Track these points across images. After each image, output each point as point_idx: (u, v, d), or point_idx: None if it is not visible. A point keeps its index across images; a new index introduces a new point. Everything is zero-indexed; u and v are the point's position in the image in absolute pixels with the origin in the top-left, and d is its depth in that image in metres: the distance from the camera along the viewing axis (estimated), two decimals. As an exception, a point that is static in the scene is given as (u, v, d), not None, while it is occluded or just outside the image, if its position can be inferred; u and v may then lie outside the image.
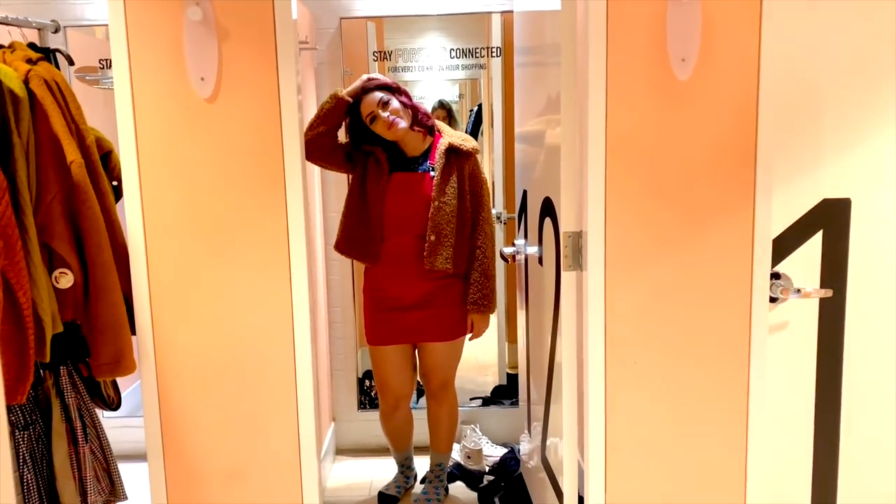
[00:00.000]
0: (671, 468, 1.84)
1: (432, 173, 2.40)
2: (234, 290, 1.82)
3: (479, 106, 3.60)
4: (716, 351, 1.80)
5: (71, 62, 1.94)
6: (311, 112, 2.85)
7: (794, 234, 1.85)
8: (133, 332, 1.84)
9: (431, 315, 2.47)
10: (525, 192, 2.50)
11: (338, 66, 3.02)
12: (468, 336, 2.57)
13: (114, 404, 2.00)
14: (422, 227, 2.39)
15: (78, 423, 1.84)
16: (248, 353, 1.84)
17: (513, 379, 3.46)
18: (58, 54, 1.95)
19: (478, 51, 3.21)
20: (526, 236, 2.51)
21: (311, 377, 1.85)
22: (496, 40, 3.19)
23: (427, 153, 2.45)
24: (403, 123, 2.37)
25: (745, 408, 1.82)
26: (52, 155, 1.72)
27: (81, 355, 1.88)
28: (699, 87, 1.72)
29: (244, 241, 1.79)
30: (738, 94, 1.72)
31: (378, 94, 2.38)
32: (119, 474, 1.95)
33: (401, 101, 2.40)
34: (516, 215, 2.68)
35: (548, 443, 2.29)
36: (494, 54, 3.19)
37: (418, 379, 2.70)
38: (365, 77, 2.43)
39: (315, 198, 2.95)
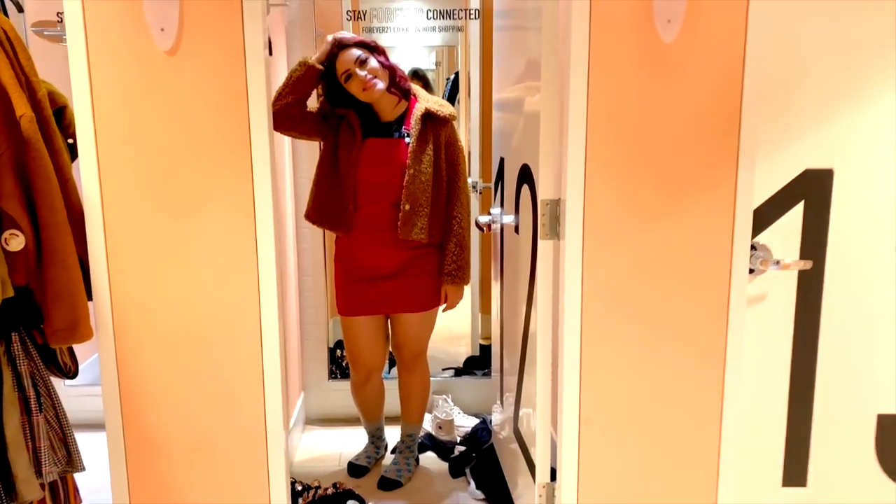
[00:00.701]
0: (645, 441, 1.82)
1: (407, 139, 2.32)
2: (197, 255, 1.73)
3: (456, 74, 3.51)
4: (693, 323, 1.77)
5: (20, 9, 1.81)
6: (281, 73, 2.74)
7: (774, 205, 1.82)
8: (90, 297, 1.75)
9: (405, 285, 2.41)
10: (502, 160, 2.44)
11: (310, 25, 2.90)
12: (442, 307, 2.52)
13: (70, 373, 1.90)
14: (396, 196, 2.32)
15: (31, 392, 1.75)
16: (211, 320, 1.77)
17: (486, 350, 3.43)
18: (6, 1, 1.82)
19: (456, 12, 3.12)
20: (502, 205, 2.45)
21: (279, 346, 1.78)
22: (475, 2, 3.09)
23: (402, 118, 2.36)
24: (381, 85, 2.28)
25: (721, 380, 1.80)
26: (1, 108, 1.61)
27: (35, 322, 1.79)
28: (684, 51, 1.67)
29: (207, 203, 1.71)
30: (723, 60, 1.67)
31: (356, 52, 2.27)
32: (76, 444, 1.87)
33: (379, 61, 2.31)
34: (493, 184, 2.62)
35: (520, 414, 2.26)
36: (473, 17, 3.10)
37: (390, 349, 2.65)
38: (331, 37, 2.32)
39: (285, 161, 2.85)
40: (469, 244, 2.45)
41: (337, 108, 2.34)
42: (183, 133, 1.67)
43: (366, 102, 2.31)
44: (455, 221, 2.39)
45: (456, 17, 3.12)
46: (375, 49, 2.32)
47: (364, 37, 2.38)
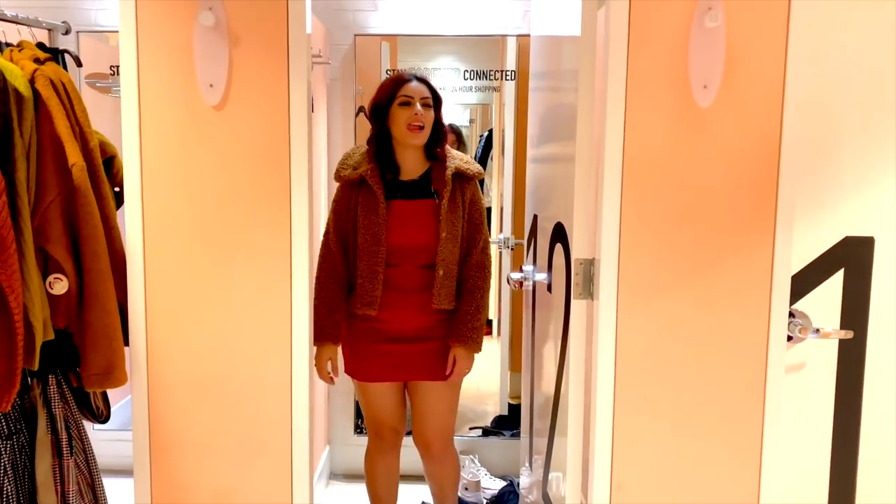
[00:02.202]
0: (679, 511, 1.76)
1: (436, 199, 2.18)
2: (233, 304, 1.76)
3: (490, 132, 3.56)
4: (729, 390, 1.73)
5: (79, 63, 1.91)
6: (321, 129, 2.82)
7: (813, 272, 1.79)
8: (126, 343, 1.78)
9: (431, 349, 2.21)
10: (535, 217, 2.44)
11: (350, 83, 2.99)
12: (447, 373, 2.23)
13: (102, 416, 1.93)
14: (424, 258, 2.17)
15: (64, 435, 1.77)
16: (243, 370, 1.78)
17: (514, 409, 3.37)
18: (66, 56, 1.91)
19: (491, 73, 3.19)
20: (535, 262, 2.45)
21: (307, 399, 1.78)
22: (510, 64, 3.16)
23: (426, 177, 2.22)
24: (424, 139, 2.17)
25: (759, 450, 1.74)
26: (54, 157, 1.68)
27: (72, 364, 1.82)
28: (721, 115, 1.67)
29: (245, 254, 1.74)
30: (760, 124, 1.67)
31: (426, 92, 2.16)
32: (103, 490, 1.88)
33: (437, 118, 2.19)
34: (525, 240, 2.62)
35: (550, 477, 2.20)
36: (508, 77, 3.16)
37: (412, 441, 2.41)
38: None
39: (320, 211, 2.90)
40: (486, 309, 2.25)
41: (350, 178, 2.18)
42: (225, 185, 1.72)
43: (392, 152, 2.19)
44: (471, 281, 2.22)
45: (492, 77, 3.18)
46: (439, 105, 2.21)
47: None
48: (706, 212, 1.70)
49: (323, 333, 2.17)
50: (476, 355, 2.27)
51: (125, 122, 1.70)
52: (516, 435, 3.22)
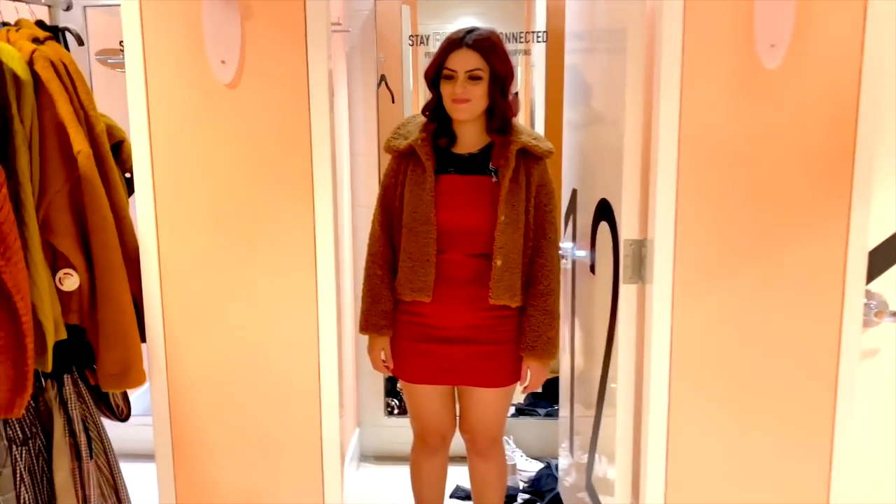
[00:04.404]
0: (741, 511, 1.63)
1: (494, 178, 1.91)
2: (255, 296, 1.64)
3: (515, 95, 3.38)
4: (797, 379, 1.59)
5: (80, 42, 1.76)
6: (340, 102, 2.67)
7: (890, 249, 1.62)
8: (143, 340, 1.67)
9: (480, 353, 1.96)
10: (574, 192, 2.28)
11: (371, 51, 2.82)
12: (520, 385, 2.04)
13: (123, 414, 1.83)
14: (476, 245, 1.91)
15: (83, 437, 1.68)
16: (267, 366, 1.67)
17: (549, 386, 3.25)
18: (67, 33, 1.77)
19: (520, 35, 3.00)
20: (574, 239, 2.29)
21: (337, 396, 1.67)
22: (540, 24, 2.97)
23: (486, 151, 1.94)
24: (471, 114, 1.88)
25: (830, 443, 1.60)
26: (58, 144, 1.56)
27: (88, 361, 1.72)
28: (790, 78, 1.50)
29: (266, 243, 1.62)
30: (834, 87, 1.50)
31: (472, 62, 1.83)
32: (127, 491, 1.80)
33: (492, 93, 1.87)
34: (563, 216, 2.46)
35: (595, 466, 2.09)
36: (539, 39, 2.98)
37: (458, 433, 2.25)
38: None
39: (344, 192, 2.77)
40: (559, 311, 1.99)
41: (401, 149, 1.95)
42: (242, 169, 1.58)
43: (449, 122, 1.93)
44: (543, 281, 1.93)
45: (521, 39, 3.00)
46: (498, 76, 1.86)
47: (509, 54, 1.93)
48: (772, 185, 1.54)
49: (369, 324, 2.00)
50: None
51: (132, 104, 1.57)
52: (551, 413, 3.11)
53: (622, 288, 1.68)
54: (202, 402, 1.68)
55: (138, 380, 1.65)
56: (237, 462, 1.71)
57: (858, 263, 1.54)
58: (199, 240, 1.62)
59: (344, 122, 2.76)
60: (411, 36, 2.95)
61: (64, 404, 1.68)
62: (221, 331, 1.65)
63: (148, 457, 1.78)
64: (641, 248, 1.64)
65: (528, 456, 2.98)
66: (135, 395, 1.88)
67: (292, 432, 1.70)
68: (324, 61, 1.53)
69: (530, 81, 3.13)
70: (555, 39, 2.89)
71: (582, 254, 2.18)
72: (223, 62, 1.53)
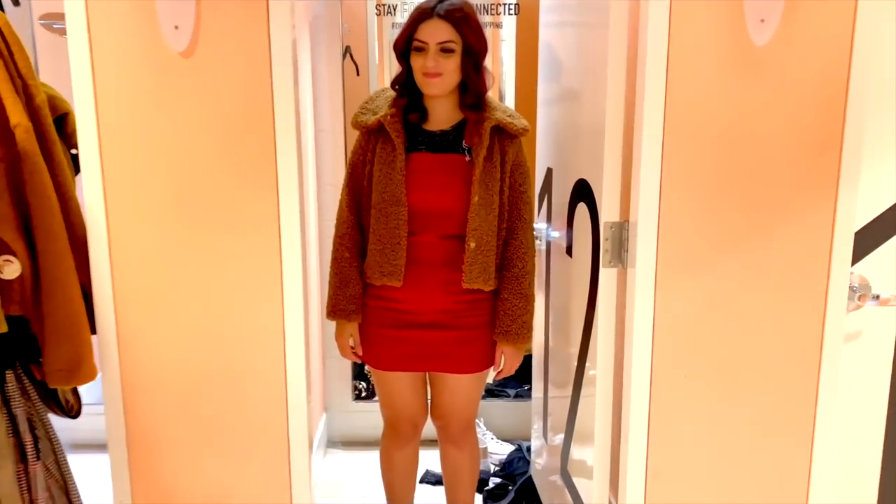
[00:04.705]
0: (723, 498, 1.60)
1: (468, 157, 1.82)
2: (214, 283, 1.54)
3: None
4: (781, 365, 1.56)
5: (16, 2, 1.61)
6: (305, 74, 2.53)
7: (873, 232, 1.59)
8: (93, 331, 1.55)
9: (453, 339, 1.90)
10: (549, 171, 2.21)
11: (336, 21, 2.68)
12: (494, 370, 1.98)
13: (73, 411, 1.71)
14: (448, 227, 1.84)
15: (28, 438, 1.55)
16: (229, 358, 1.57)
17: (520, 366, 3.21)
18: (1, -6, 1.61)
19: (490, 7, 2.89)
20: (549, 220, 2.22)
21: (304, 388, 1.58)
22: (512, -4, 2.87)
23: (459, 129, 1.85)
24: (442, 89, 1.78)
25: (811, 430, 1.58)
26: (-8, 117, 1.41)
27: (33, 355, 1.59)
28: (779, 55, 1.44)
29: (226, 224, 1.51)
30: (825, 66, 1.45)
31: (444, 34, 1.73)
32: (78, 492, 1.68)
33: (464, 67, 1.77)
34: (537, 195, 2.39)
35: (571, 450, 2.04)
36: (510, 12, 2.87)
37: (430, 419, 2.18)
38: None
39: (309, 170, 2.65)
40: (534, 294, 1.91)
41: (368, 126, 1.85)
42: (199, 145, 1.47)
43: (420, 97, 1.84)
44: (518, 264, 1.86)
45: (491, 12, 2.89)
46: (471, 49, 1.76)
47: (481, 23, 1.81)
48: (759, 167, 1.49)
49: (336, 310, 1.91)
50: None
51: (75, 74, 1.44)
52: (521, 394, 3.08)
53: (602, 272, 1.63)
54: (159, 396, 1.57)
55: (89, 375, 1.53)
56: (198, 457, 1.61)
57: (844, 248, 1.50)
58: (153, 222, 1.50)
59: (308, 97, 2.63)
60: (378, 5, 2.82)
61: (6, 403, 1.55)
62: (179, 320, 1.54)
63: (104, 447, 1.67)
64: (622, 230, 1.59)
65: (498, 439, 2.93)
66: (89, 386, 1.76)
67: (257, 425, 1.61)
68: (287, 28, 1.41)
69: (499, 57, 3.03)
70: (527, 12, 2.80)
71: (557, 235, 2.12)
72: (176, 27, 1.41)
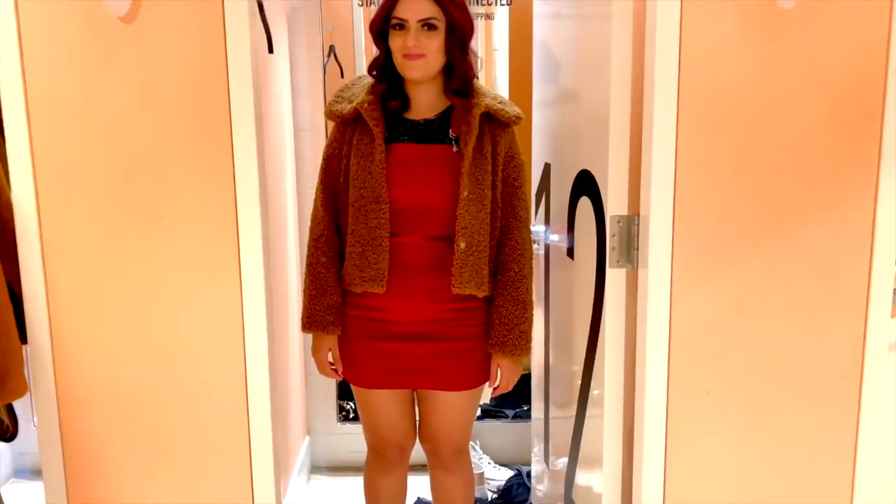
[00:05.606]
0: (751, 534, 1.41)
1: (455, 148, 1.67)
2: (162, 285, 1.37)
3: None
4: (816, 377, 1.39)
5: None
6: (282, 73, 2.37)
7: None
8: (23, 341, 1.37)
9: (445, 351, 1.72)
10: (547, 167, 2.03)
11: (315, 14, 2.53)
12: (490, 387, 1.82)
13: (8, 433, 1.52)
14: (436, 226, 1.68)
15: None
16: (181, 369, 1.41)
17: (518, 384, 3.01)
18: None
19: (483, -1, 2.77)
20: (547, 221, 2.04)
21: (267, 403, 1.39)
22: (505, -12, 2.75)
23: (445, 117, 1.70)
24: (425, 72, 1.62)
25: (853, 450, 1.42)
26: None
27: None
28: (810, 21, 1.29)
29: (176, 220, 1.34)
30: (861, 31, 1.30)
31: (426, 10, 1.58)
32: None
33: (449, 48, 1.62)
34: (533, 195, 2.21)
35: (576, 475, 1.84)
36: (504, 3, 2.75)
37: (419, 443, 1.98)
38: None
39: (288, 173, 2.47)
40: (532, 300, 1.75)
41: (345, 115, 1.69)
42: (143, 125, 1.31)
43: (401, 83, 1.68)
44: (513, 267, 1.70)
45: (482, 2, 2.77)
46: (456, 27, 1.60)
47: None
48: (788, 147, 1.33)
49: (312, 321, 1.73)
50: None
51: (-1, 42, 1.26)
52: (521, 415, 2.90)
53: (609, 273, 1.46)
54: (100, 414, 1.40)
55: (16, 390, 1.35)
56: (145, 483, 1.44)
57: (887, 241, 1.34)
58: (91, 216, 1.33)
59: (286, 91, 2.46)
60: (361, -2, 2.67)
61: (-77, 423, 1.36)
62: (122, 328, 1.37)
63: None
64: (632, 225, 1.43)
65: (496, 463, 2.75)
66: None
67: (213, 448, 1.43)
68: (245, -9, 1.24)
69: (490, 49, 2.90)
70: (520, 3, 2.70)
71: (556, 238, 1.93)
72: (116, -10, 1.23)
